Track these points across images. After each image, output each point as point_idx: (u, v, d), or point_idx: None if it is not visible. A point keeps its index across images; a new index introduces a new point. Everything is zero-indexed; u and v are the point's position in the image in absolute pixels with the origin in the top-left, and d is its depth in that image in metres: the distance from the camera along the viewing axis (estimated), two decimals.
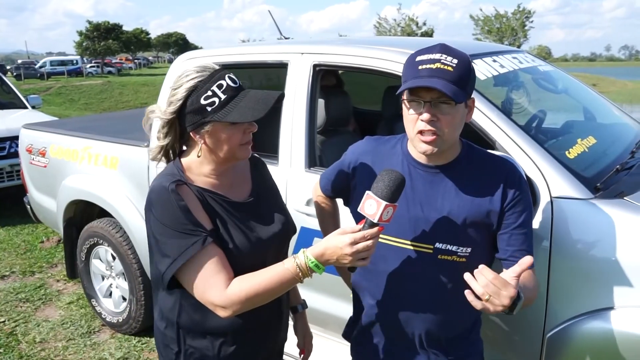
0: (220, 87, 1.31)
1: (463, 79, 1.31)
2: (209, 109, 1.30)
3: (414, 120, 1.34)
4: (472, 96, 1.40)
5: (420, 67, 1.31)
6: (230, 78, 1.34)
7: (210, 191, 1.39)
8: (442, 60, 1.30)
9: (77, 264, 3.63)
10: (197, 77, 1.32)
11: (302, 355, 1.77)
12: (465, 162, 1.44)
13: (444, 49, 1.33)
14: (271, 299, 1.35)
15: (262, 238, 1.42)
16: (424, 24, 37.38)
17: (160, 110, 1.38)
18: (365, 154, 1.54)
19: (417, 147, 1.37)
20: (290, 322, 1.71)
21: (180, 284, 1.34)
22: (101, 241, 3.35)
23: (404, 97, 1.37)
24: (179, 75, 1.36)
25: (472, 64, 1.37)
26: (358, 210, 1.27)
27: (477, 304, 1.17)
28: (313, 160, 2.36)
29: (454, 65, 1.29)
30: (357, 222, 1.33)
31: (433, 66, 1.29)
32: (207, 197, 1.37)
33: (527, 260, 1.21)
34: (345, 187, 1.60)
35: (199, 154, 1.36)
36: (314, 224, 2.24)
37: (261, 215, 1.46)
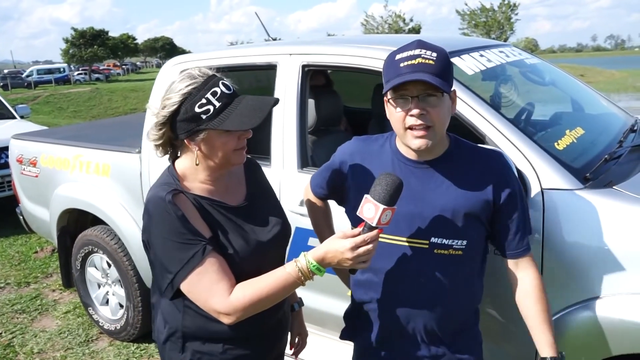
0: (214, 94, 1.30)
1: (445, 71, 1.34)
2: (203, 116, 1.29)
3: (402, 117, 1.36)
4: (455, 89, 1.44)
5: (401, 65, 1.33)
6: (224, 84, 1.33)
7: (207, 198, 1.39)
8: (422, 55, 1.32)
9: (73, 273, 3.61)
10: (191, 84, 1.31)
11: (292, 351, 1.78)
12: (454, 155, 1.46)
13: (421, 44, 1.36)
14: (274, 303, 1.35)
15: (261, 241, 1.42)
16: (411, 20, 37.40)
17: (156, 108, 1.36)
18: (354, 154, 1.55)
19: (410, 143, 1.38)
20: None
21: (182, 292, 1.33)
22: (96, 249, 3.34)
23: (388, 96, 1.38)
24: (173, 81, 1.35)
25: (449, 57, 1.40)
26: (357, 214, 1.28)
27: None
28: (305, 160, 2.37)
29: (434, 58, 1.32)
30: (353, 223, 1.33)
31: (415, 62, 1.31)
32: (204, 204, 1.37)
33: None
34: (337, 188, 1.60)
35: (197, 162, 1.35)
36: (308, 224, 2.23)
37: (258, 218, 1.46)
